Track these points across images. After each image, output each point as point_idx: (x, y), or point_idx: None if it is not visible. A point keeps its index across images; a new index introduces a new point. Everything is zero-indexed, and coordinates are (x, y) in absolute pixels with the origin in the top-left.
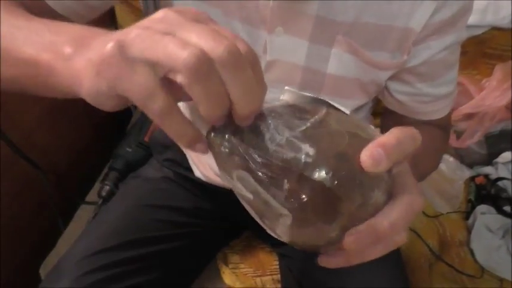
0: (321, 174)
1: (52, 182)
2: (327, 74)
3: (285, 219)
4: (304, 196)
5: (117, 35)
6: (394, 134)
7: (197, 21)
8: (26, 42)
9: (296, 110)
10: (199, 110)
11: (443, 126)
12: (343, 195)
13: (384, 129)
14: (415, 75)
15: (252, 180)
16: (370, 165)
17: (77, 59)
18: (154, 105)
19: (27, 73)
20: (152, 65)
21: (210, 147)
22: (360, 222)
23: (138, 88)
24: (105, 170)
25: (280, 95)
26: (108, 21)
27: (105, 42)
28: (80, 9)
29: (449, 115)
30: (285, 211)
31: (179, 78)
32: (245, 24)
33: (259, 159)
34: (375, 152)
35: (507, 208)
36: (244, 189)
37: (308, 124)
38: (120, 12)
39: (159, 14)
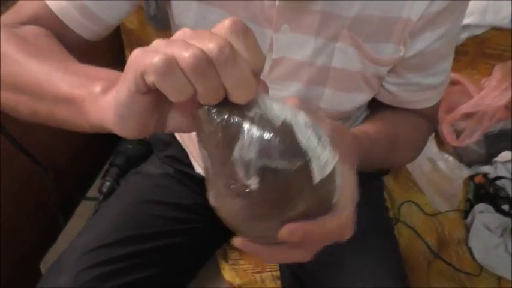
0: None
1: (52, 178)
2: (331, 68)
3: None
4: (248, 187)
5: None
6: (324, 224)
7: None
8: (63, 82)
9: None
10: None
11: (428, 116)
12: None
13: (370, 116)
14: (406, 66)
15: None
16: (285, 236)
17: (108, 97)
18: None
19: (61, 108)
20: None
21: (197, 121)
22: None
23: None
24: (106, 166)
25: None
26: None
27: None
28: (97, 29)
29: (437, 106)
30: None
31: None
32: (250, 23)
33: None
34: (295, 230)
35: (505, 207)
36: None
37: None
38: None
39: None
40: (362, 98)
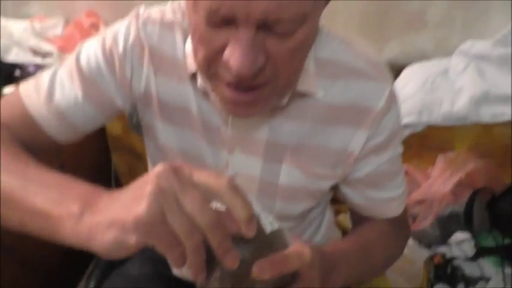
0: None
1: (36, 279)
2: (279, 185)
3: None
4: None
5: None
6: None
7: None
8: (37, 195)
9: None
10: None
11: (399, 221)
12: None
13: (352, 221)
14: (364, 184)
15: None
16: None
17: (86, 220)
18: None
19: (36, 222)
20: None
21: None
22: None
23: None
24: (90, 268)
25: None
26: None
27: (108, 206)
28: (72, 135)
29: (404, 213)
30: None
31: None
32: (210, 145)
33: None
34: (262, 266)
35: (461, 285)
36: None
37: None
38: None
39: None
40: (310, 205)
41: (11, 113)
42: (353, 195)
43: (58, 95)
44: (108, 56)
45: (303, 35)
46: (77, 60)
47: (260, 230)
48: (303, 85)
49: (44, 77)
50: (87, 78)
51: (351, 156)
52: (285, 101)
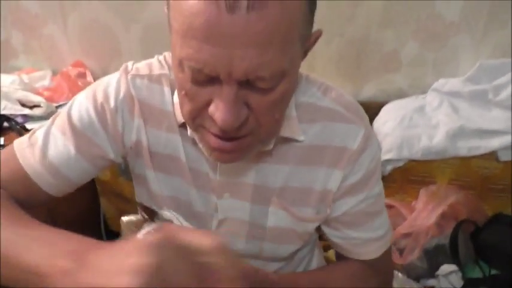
0: None
1: None
2: (267, 227)
3: None
4: None
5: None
6: None
7: None
8: (27, 251)
9: None
10: None
11: (375, 265)
12: None
13: (336, 259)
14: (341, 223)
15: None
16: None
17: (79, 276)
18: None
19: (27, 279)
20: None
21: None
22: None
23: None
24: None
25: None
26: None
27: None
28: (65, 188)
29: (385, 258)
30: None
31: None
32: (199, 191)
33: None
34: None
35: None
36: None
37: None
38: None
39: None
40: (297, 246)
41: (5, 171)
42: (331, 234)
43: (52, 151)
44: (100, 111)
45: (283, 89)
46: (69, 116)
47: None
48: (286, 131)
49: (38, 133)
50: (80, 134)
51: (330, 195)
52: (270, 146)
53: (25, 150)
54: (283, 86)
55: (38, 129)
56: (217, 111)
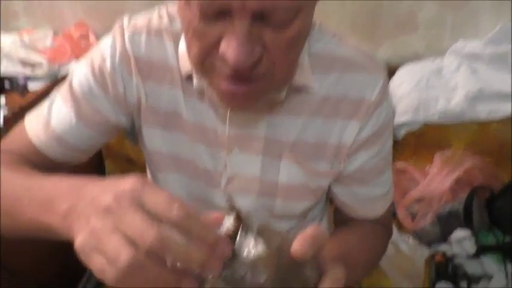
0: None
1: None
2: (279, 183)
3: None
4: None
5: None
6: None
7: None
8: (30, 204)
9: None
10: None
11: (383, 223)
12: None
13: (334, 222)
14: (352, 179)
15: None
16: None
17: (71, 217)
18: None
19: (31, 228)
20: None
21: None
22: None
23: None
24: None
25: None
26: None
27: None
28: (83, 155)
29: (387, 216)
30: None
31: None
32: (207, 147)
33: None
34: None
35: (463, 284)
36: None
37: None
38: None
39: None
40: (310, 203)
41: (18, 145)
42: (341, 193)
43: (54, 120)
44: (98, 75)
45: (298, 27)
46: (70, 84)
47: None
48: (299, 79)
49: (44, 105)
50: (81, 101)
51: (344, 149)
52: (282, 95)
53: (32, 122)
54: (298, 24)
55: (45, 102)
56: (229, 48)
